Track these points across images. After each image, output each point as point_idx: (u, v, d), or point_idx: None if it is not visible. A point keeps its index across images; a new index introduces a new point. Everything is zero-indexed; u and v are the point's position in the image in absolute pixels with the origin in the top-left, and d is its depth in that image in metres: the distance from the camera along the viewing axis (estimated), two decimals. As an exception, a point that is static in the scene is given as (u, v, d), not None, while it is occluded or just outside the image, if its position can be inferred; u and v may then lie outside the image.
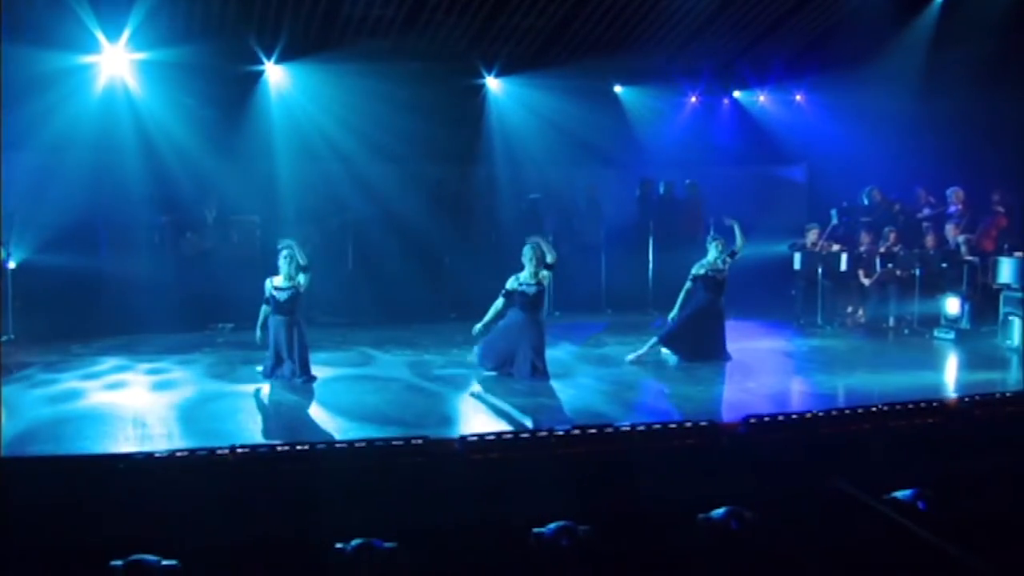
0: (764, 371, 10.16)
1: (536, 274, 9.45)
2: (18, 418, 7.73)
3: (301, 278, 9.22)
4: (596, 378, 9.76)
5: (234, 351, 10.45)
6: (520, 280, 9.48)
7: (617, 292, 14.45)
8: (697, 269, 10.51)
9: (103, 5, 11.49)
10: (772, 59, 15.63)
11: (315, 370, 9.41)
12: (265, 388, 9.10)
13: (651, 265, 14.16)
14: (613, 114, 15.42)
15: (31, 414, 7.92)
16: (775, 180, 16.45)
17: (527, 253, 9.49)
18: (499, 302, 9.60)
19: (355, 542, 4.68)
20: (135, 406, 8.33)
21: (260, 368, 9.42)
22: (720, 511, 5.24)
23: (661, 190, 15.00)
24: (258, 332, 9.45)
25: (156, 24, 11.83)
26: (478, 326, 9.67)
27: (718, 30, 14.68)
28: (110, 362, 10.11)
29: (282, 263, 9.22)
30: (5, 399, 8.07)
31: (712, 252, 10.49)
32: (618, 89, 15.70)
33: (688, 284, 10.53)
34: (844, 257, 13.22)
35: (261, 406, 8.58)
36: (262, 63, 13.20)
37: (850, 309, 13.32)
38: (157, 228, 12.57)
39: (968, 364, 10.82)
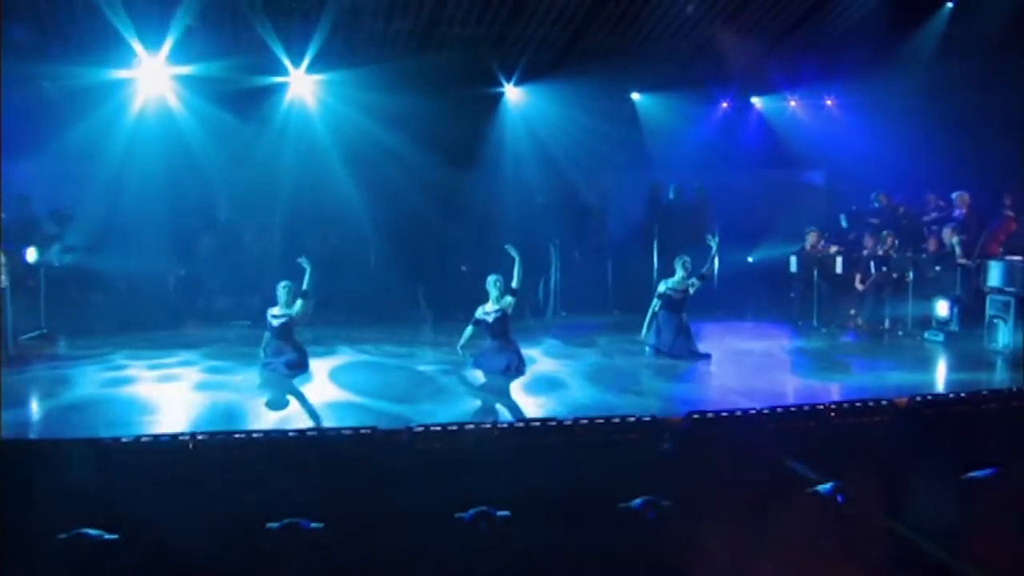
0: (742, 370, 10.51)
1: (499, 299, 10.16)
2: (32, 404, 8.59)
3: (296, 307, 10.05)
4: (570, 374, 10.23)
5: (242, 347, 11.16)
6: (484, 310, 10.23)
7: (624, 293, 14.78)
8: (660, 287, 11.11)
9: (144, 24, 12.29)
10: (790, 64, 15.79)
11: (311, 363, 10.22)
12: (255, 380, 9.86)
13: (655, 267, 14.46)
14: (629, 120, 15.75)
15: (47, 401, 8.81)
16: (795, 184, 16.58)
17: (490, 282, 10.22)
18: (469, 329, 10.35)
19: (283, 521, 5.27)
20: (132, 396, 9.13)
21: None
22: (638, 501, 5.66)
23: (671, 194, 15.26)
24: (261, 352, 10.37)
25: (191, 40, 12.66)
26: (460, 350, 10.39)
27: (730, 38, 14.92)
28: (125, 355, 10.88)
29: (280, 293, 10.12)
30: (15, 387, 8.90)
31: (679, 273, 11.04)
32: (635, 96, 16.03)
33: (655, 300, 11.11)
34: (839, 260, 13.36)
35: (245, 397, 9.23)
36: (288, 75, 13.81)
37: (852, 311, 13.45)
38: (182, 231, 13.36)
39: (946, 365, 11.04)
